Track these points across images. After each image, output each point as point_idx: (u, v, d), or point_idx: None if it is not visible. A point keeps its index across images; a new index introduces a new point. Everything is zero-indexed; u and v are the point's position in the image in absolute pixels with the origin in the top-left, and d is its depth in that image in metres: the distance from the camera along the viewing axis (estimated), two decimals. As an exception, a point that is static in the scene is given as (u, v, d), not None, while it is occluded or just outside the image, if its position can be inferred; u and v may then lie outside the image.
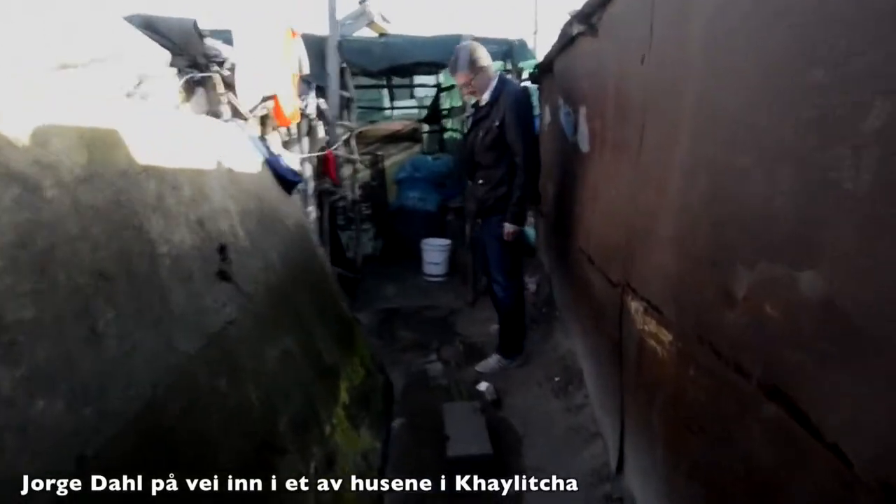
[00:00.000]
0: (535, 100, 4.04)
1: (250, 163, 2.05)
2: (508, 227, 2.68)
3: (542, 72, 3.62)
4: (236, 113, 2.22)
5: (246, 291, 1.61)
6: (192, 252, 1.40)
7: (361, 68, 3.78)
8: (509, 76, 3.89)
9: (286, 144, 2.98)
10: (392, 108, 7.06)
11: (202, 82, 2.09)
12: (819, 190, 0.78)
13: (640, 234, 1.57)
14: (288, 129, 2.90)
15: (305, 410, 1.65)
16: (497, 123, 2.60)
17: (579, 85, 2.58)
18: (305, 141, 3.10)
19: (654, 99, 1.51)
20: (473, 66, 2.60)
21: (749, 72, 1.00)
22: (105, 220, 1.07)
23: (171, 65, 1.90)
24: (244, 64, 2.03)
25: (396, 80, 6.50)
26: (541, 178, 2.87)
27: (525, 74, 3.96)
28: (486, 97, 2.69)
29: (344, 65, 3.73)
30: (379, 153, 5.99)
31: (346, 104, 3.97)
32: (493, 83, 2.66)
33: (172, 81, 1.81)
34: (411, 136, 6.26)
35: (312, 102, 3.12)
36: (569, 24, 2.39)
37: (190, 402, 1.14)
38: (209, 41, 2.07)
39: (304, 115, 3.03)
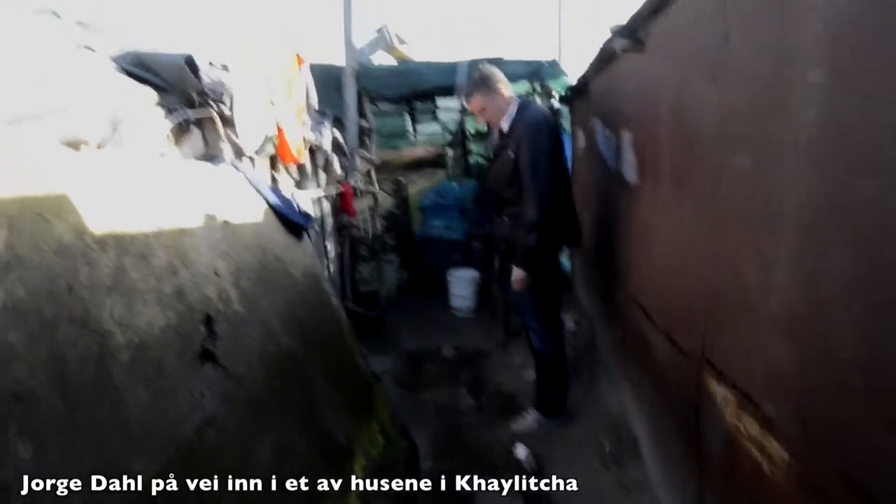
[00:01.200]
0: (566, 123, 3.75)
1: (250, 210, 1.81)
2: (516, 273, 2.35)
3: (576, 93, 3.33)
4: (240, 153, 2.00)
5: (235, 373, 1.34)
6: (163, 335, 1.14)
7: (380, 96, 3.57)
8: (536, 99, 3.62)
9: (300, 182, 2.76)
10: (415, 133, 6.88)
11: (200, 122, 1.87)
12: None
13: (724, 298, 1.23)
14: (301, 166, 2.68)
15: (307, 516, 1.36)
16: (512, 155, 2.31)
17: (622, 107, 2.27)
18: (322, 176, 2.87)
19: (737, 124, 1.19)
20: (486, 90, 2.33)
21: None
22: (27, 320, 0.82)
23: (162, 104, 1.69)
24: (244, 97, 1.81)
25: (419, 105, 6.33)
26: (578, 210, 2.55)
27: (556, 96, 3.67)
28: (504, 125, 2.41)
29: (360, 94, 3.53)
30: (402, 180, 5.78)
31: (365, 134, 3.77)
32: (511, 110, 2.38)
33: (159, 123, 1.60)
34: (436, 162, 6.03)
35: (328, 134, 2.91)
36: (610, 41, 2.10)
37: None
38: (209, 75, 1.86)
39: (319, 148, 2.81)
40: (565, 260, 4.33)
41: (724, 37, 1.24)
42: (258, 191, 1.89)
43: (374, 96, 3.56)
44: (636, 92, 2.05)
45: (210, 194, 1.58)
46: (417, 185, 5.98)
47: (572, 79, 3.49)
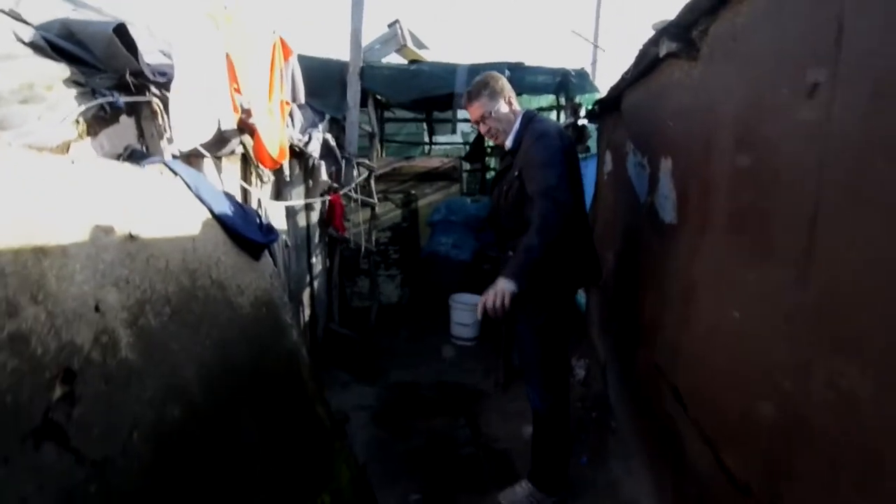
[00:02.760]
0: (592, 143, 3.33)
1: (181, 223, 1.44)
2: (498, 281, 1.71)
3: (605, 108, 2.92)
4: (187, 149, 1.64)
5: (93, 458, 0.95)
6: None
7: (387, 99, 3.21)
8: (560, 115, 3.21)
9: (281, 190, 2.40)
10: (431, 143, 6.52)
11: (136, 109, 1.53)
12: None
13: (814, 427, 0.79)
14: (279, 171, 2.32)
15: None
16: (516, 174, 1.91)
17: (661, 128, 1.85)
18: (301, 188, 2.51)
19: (853, 158, 0.77)
20: (489, 95, 1.95)
21: None
22: None
23: (79, 84, 1.34)
24: (190, 78, 1.44)
25: (437, 114, 5.99)
26: (599, 243, 2.12)
27: (583, 112, 3.26)
28: (508, 141, 2.02)
29: (366, 95, 3.17)
30: (413, 192, 5.42)
31: (370, 139, 3.42)
32: (516, 125, 1.98)
33: (66, 108, 1.25)
34: (450, 175, 5.65)
35: (318, 137, 2.55)
36: (651, 44, 1.69)
37: None
38: (151, 54, 1.52)
39: (305, 152, 2.45)
40: (581, 297, 3.89)
41: (835, 28, 0.82)
42: (200, 198, 1.52)
43: (380, 98, 3.20)
44: (682, 109, 1.64)
45: (115, 202, 1.22)
46: (428, 199, 5.61)
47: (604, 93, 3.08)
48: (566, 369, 2.12)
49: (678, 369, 1.46)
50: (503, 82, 1.98)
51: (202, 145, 1.68)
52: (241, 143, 1.95)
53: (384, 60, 3.23)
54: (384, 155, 6.12)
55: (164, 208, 1.40)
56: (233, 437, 1.37)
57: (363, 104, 3.16)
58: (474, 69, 3.06)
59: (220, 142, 1.80)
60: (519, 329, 2.12)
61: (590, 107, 3.14)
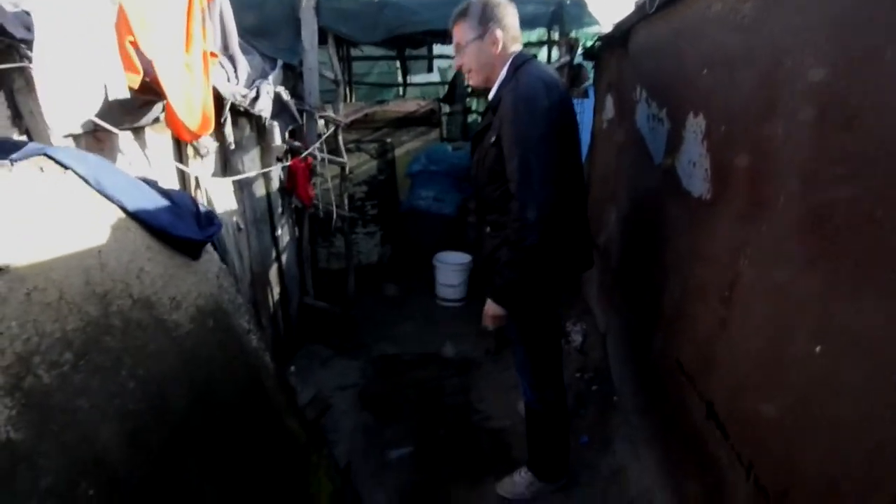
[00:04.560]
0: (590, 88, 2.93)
1: (79, 234, 1.09)
2: (488, 307, 1.68)
3: (608, 45, 2.50)
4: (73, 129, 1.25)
5: None
6: None
7: (349, 39, 2.73)
8: (552, 53, 2.78)
9: (228, 161, 2.00)
10: (405, 84, 5.93)
11: (5, 81, 1.12)
12: None
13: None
14: (221, 136, 1.92)
15: None
16: (493, 139, 1.56)
17: (690, 75, 1.50)
18: (255, 152, 2.11)
19: None
20: (475, 21, 1.55)
21: None
22: None
23: None
24: (53, 38, 1.03)
25: (412, 51, 5.39)
26: (595, 200, 1.83)
27: (580, 50, 2.82)
28: (491, 94, 1.65)
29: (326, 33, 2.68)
30: (388, 141, 4.95)
31: (336, 86, 2.94)
32: (503, 72, 1.60)
33: None
34: (428, 120, 5.16)
35: (268, 91, 2.12)
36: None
37: None
38: (11, 10, 1.08)
39: (248, 112, 2.03)
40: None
41: None
42: (105, 194, 1.16)
43: (342, 38, 2.71)
44: (723, 55, 1.29)
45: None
46: (406, 147, 5.16)
47: (604, 27, 2.65)
48: (558, 359, 1.90)
49: (714, 383, 1.22)
50: (502, 12, 1.55)
51: (105, 118, 1.28)
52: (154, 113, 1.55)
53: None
54: (353, 100, 5.55)
55: (50, 218, 1.04)
56: (177, 499, 1.11)
57: (322, 43, 2.67)
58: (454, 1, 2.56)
59: (134, 109, 1.40)
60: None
61: (589, 43, 2.71)
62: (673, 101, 1.63)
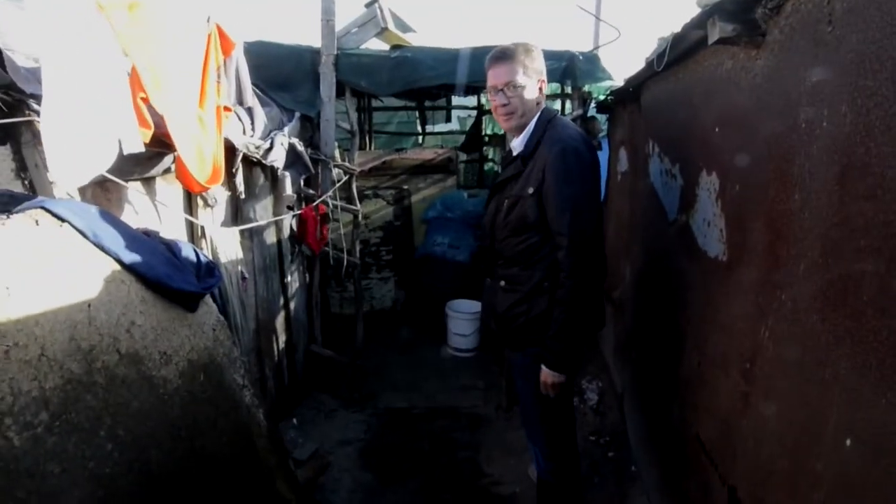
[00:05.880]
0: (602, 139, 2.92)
1: (69, 287, 1.07)
2: (546, 376, 1.56)
3: (621, 99, 2.51)
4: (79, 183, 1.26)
5: None
6: None
7: (367, 92, 2.80)
8: (566, 105, 2.80)
9: (239, 211, 2.02)
10: (423, 133, 6.07)
11: (12, 134, 1.14)
12: None
13: None
14: (233, 186, 1.94)
15: None
16: (531, 191, 1.52)
17: (701, 133, 1.46)
18: (267, 201, 2.13)
19: None
20: (526, 66, 1.51)
21: None
22: None
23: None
24: (64, 95, 1.06)
25: (430, 102, 5.55)
26: (610, 253, 1.76)
27: (593, 103, 2.84)
28: (517, 142, 1.62)
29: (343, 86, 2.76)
30: (405, 187, 5.01)
31: (351, 137, 3.01)
32: (533, 122, 1.57)
33: None
34: (445, 168, 5.23)
35: (282, 143, 2.16)
36: (694, 26, 1.29)
37: None
38: (23, 56, 1.13)
39: (262, 163, 2.06)
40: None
41: None
42: (101, 247, 1.15)
43: (360, 91, 2.78)
44: (734, 112, 1.25)
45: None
46: (422, 193, 5.20)
47: (617, 81, 2.66)
48: (573, 425, 1.78)
49: (737, 467, 1.10)
50: (542, 61, 1.57)
51: (115, 168, 1.30)
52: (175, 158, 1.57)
53: (363, 46, 2.80)
54: (373, 147, 5.69)
55: (40, 272, 1.02)
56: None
57: (340, 96, 2.75)
58: (479, 54, 2.61)
59: (145, 160, 1.42)
60: (515, 377, 1.77)
61: (601, 97, 2.73)
62: (684, 158, 1.59)
